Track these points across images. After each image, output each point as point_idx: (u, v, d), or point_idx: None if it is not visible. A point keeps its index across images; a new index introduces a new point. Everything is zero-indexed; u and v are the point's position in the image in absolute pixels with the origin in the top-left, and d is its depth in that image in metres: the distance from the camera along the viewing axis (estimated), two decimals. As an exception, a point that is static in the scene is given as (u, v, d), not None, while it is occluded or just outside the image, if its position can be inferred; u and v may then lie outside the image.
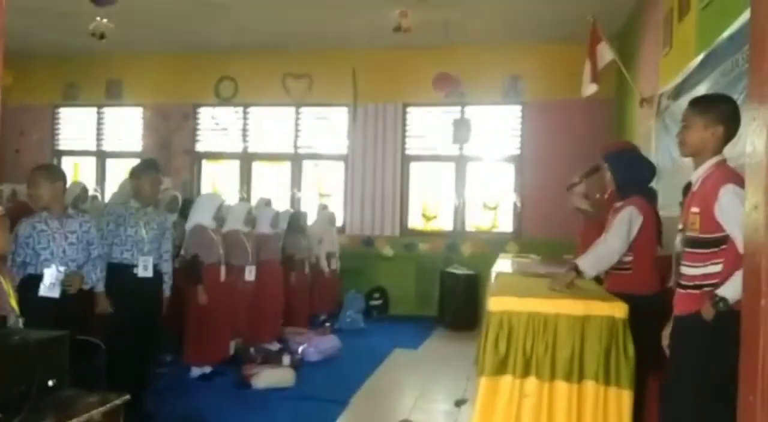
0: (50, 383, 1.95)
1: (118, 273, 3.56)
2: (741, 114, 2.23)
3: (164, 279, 3.85)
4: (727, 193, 2.07)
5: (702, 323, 2.09)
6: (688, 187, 2.47)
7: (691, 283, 2.19)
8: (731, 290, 1.99)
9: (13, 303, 2.33)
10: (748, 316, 1.08)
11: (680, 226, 2.31)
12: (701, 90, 3.62)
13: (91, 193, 6.02)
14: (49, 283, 3.08)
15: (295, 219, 6.47)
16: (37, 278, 3.09)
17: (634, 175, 3.03)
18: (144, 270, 3.67)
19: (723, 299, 2.02)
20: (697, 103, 2.31)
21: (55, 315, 2.81)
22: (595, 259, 2.88)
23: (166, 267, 3.89)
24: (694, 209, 2.18)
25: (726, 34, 3.29)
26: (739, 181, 2.05)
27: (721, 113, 2.20)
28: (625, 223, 2.85)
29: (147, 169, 3.81)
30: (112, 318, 3.45)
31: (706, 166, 2.23)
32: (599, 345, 2.51)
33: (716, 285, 2.08)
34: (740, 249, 1.94)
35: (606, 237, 2.90)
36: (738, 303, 1.90)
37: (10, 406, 1.77)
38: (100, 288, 3.43)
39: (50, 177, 3.23)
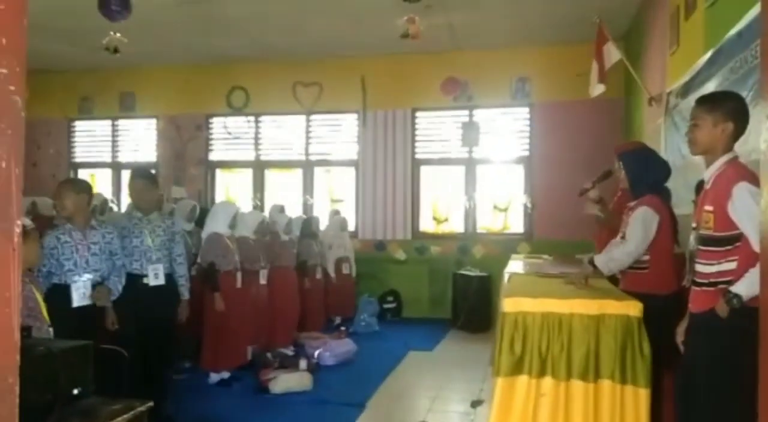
0: (75, 391, 1.97)
1: (130, 284, 3.56)
2: (750, 110, 2.24)
3: (181, 283, 3.84)
4: (741, 190, 2.06)
5: (717, 320, 2.09)
6: (700, 185, 2.47)
7: (705, 281, 2.19)
8: (745, 287, 2.00)
9: (44, 313, 2.38)
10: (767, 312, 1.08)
11: (694, 225, 2.31)
12: (710, 87, 3.61)
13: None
14: (79, 293, 3.15)
15: (308, 225, 6.52)
16: (62, 288, 3.16)
17: (647, 174, 3.03)
18: (155, 278, 3.66)
19: (737, 296, 2.02)
20: (705, 101, 2.30)
21: (80, 324, 2.86)
22: (608, 259, 2.90)
23: (182, 270, 3.87)
24: (708, 207, 2.18)
25: (734, 31, 3.29)
26: (752, 178, 2.05)
27: (730, 110, 2.20)
28: (639, 223, 2.85)
29: (133, 179, 3.77)
30: (126, 327, 3.47)
31: (718, 163, 2.22)
32: (615, 344, 2.51)
33: (731, 283, 2.08)
34: (755, 246, 1.95)
35: (623, 240, 2.91)
36: (752, 299, 1.91)
37: (35, 415, 1.79)
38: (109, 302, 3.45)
39: (75, 188, 3.32)
